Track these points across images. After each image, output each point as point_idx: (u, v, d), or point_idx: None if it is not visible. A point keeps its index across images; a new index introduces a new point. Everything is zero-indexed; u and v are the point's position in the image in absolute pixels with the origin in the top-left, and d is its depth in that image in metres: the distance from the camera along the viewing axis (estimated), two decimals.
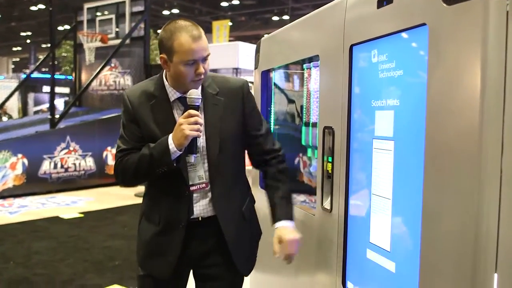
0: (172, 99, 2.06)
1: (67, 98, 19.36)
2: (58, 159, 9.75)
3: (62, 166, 9.81)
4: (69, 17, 18.56)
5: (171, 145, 1.93)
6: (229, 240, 2.11)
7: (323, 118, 2.29)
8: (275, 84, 3.29)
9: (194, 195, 2.08)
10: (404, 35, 1.68)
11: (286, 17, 23.51)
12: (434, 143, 1.49)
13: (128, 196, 9.19)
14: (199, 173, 2.06)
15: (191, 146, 1.95)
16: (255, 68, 3.40)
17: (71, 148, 9.99)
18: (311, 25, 2.52)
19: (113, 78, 11.98)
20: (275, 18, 24.37)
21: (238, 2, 21.71)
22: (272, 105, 3.34)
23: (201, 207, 2.09)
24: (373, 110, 1.87)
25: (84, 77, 12.73)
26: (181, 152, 1.95)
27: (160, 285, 2.19)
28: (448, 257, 1.43)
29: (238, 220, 2.17)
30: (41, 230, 6.65)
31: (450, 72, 1.42)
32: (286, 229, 2.04)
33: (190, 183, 2.05)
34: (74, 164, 10.03)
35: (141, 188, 2.06)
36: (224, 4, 22.57)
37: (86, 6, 12.32)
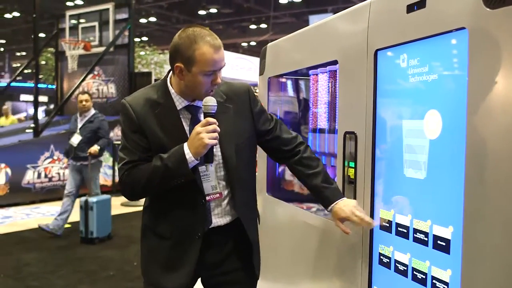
0: (179, 107, 2.00)
1: (45, 107, 19.06)
2: (42, 168, 9.57)
3: (46, 176, 9.62)
4: (46, 25, 18.33)
5: (188, 155, 1.86)
6: (254, 242, 2.14)
7: (344, 123, 2.29)
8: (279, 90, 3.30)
9: (211, 204, 2.03)
10: (438, 39, 1.69)
11: (263, 25, 23.57)
12: (474, 145, 1.50)
13: (114, 205, 9.04)
14: (212, 183, 2.00)
15: (207, 155, 1.89)
16: (260, 74, 3.39)
17: (55, 157, 9.81)
18: (328, 31, 2.52)
19: (96, 86, 11.84)
20: (253, 26, 24.43)
21: (215, 11, 21.68)
22: (278, 112, 3.34)
23: (217, 215, 2.05)
24: (403, 114, 1.88)
25: (66, 85, 12.55)
26: (197, 162, 1.89)
27: None
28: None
29: (256, 223, 2.20)
30: (29, 241, 6.50)
31: (493, 75, 1.43)
32: (340, 204, 2.05)
33: (205, 193, 1.99)
34: (58, 173, 9.85)
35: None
36: (201, 12, 22.52)
37: (68, 13, 12.17)
